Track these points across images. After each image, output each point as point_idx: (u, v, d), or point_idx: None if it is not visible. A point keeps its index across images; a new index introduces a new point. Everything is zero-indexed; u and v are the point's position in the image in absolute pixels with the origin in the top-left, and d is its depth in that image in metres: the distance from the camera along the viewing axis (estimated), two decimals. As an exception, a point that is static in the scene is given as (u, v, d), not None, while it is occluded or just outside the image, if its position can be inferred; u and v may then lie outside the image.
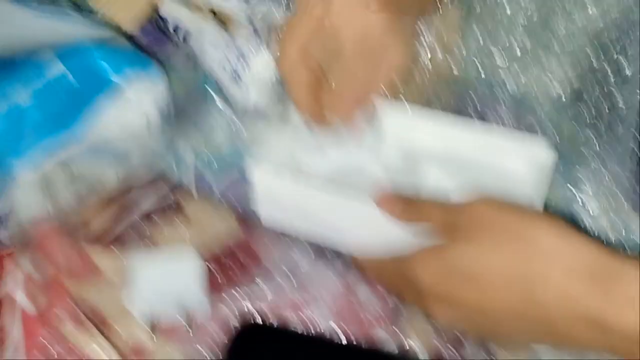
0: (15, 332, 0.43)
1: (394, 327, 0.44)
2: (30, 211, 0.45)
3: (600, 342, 0.32)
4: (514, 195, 0.38)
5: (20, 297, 0.44)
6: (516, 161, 0.41)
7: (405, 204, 0.39)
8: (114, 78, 0.47)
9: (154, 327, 0.43)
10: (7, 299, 0.44)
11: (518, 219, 0.35)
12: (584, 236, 0.34)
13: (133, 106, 0.47)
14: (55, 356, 0.42)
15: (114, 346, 0.43)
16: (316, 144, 0.45)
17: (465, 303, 0.35)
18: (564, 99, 0.45)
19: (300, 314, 0.44)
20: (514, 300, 0.34)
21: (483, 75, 0.46)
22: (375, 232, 0.40)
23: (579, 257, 0.33)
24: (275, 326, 0.44)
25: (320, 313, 0.44)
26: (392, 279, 0.40)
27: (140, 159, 0.48)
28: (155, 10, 0.52)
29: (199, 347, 0.43)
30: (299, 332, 0.43)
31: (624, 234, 0.42)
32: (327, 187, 0.40)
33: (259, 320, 0.44)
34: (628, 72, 0.43)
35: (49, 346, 0.43)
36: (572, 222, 0.39)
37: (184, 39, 0.51)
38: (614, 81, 0.44)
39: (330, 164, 0.44)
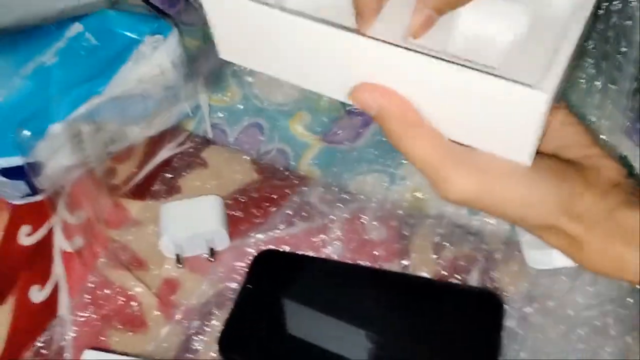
0: (57, 269, 0.47)
1: (403, 262, 0.47)
2: (60, 161, 0.48)
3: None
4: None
5: (59, 238, 0.48)
6: None
7: None
8: (130, 35, 0.51)
9: (181, 261, 0.47)
10: (47, 241, 0.48)
11: None
12: None
13: (148, 61, 0.51)
14: (93, 286, 0.46)
15: (147, 280, 0.47)
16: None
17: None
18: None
19: (315, 251, 0.48)
20: None
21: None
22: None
23: None
24: (289, 252, 0.47)
25: (333, 250, 0.48)
26: None
27: (159, 109, 0.51)
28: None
29: (221, 275, 0.47)
30: (312, 257, 0.47)
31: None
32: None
33: (274, 249, 0.48)
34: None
35: (88, 283, 0.47)
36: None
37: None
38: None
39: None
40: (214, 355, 0.43)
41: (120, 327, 0.45)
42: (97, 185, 0.49)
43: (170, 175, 0.52)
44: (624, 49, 0.50)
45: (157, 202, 0.50)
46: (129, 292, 0.46)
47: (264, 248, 0.48)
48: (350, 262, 0.47)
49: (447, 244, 0.48)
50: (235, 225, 0.49)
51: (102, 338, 0.44)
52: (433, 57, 0.30)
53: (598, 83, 0.52)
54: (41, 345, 0.44)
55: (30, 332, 0.45)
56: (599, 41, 0.51)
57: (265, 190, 0.51)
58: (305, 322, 0.44)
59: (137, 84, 0.50)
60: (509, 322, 0.44)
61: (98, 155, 0.49)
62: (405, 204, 0.50)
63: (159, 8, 0.56)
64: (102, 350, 0.42)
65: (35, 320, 0.45)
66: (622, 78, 0.51)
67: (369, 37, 0.32)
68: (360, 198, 0.50)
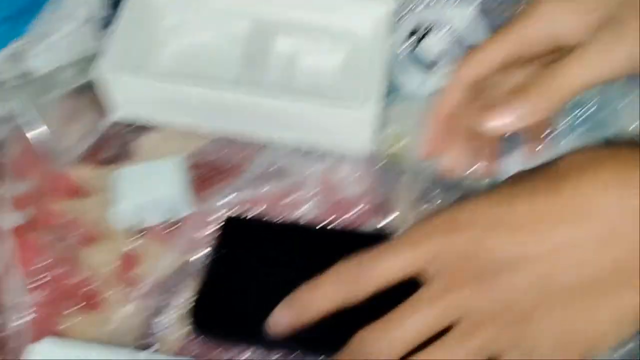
0: (4, 246, 0.42)
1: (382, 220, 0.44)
2: None
3: None
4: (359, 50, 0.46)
5: (4, 211, 0.43)
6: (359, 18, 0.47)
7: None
8: None
9: (139, 233, 0.43)
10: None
11: None
12: None
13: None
14: (45, 265, 0.42)
15: (103, 255, 0.42)
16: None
17: None
18: None
19: (288, 213, 0.44)
20: None
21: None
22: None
23: None
24: (259, 218, 0.44)
25: (308, 210, 0.44)
26: None
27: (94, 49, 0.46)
28: None
29: (184, 245, 0.42)
30: (284, 221, 0.43)
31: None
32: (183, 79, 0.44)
33: (243, 215, 0.43)
34: None
35: (38, 261, 0.42)
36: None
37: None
38: None
39: (187, 45, 0.49)
40: (180, 335, 0.39)
41: (76, 308, 0.40)
42: (38, 151, 0.44)
43: (123, 139, 0.47)
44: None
45: (110, 168, 0.45)
46: (84, 270, 0.42)
47: (230, 214, 0.43)
48: (323, 223, 0.43)
49: (428, 200, 0.44)
50: (198, 190, 0.44)
51: (57, 321, 0.40)
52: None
53: None
54: (-12, 334, 0.40)
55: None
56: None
57: (229, 150, 0.47)
58: (280, 288, 0.40)
59: (65, 23, 0.44)
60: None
61: (29, 107, 0.44)
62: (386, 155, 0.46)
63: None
64: (60, 337, 0.38)
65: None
66: None
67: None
68: (332, 153, 0.46)
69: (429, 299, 0.32)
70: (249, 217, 0.44)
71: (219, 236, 0.42)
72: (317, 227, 0.43)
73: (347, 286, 0.34)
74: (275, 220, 0.43)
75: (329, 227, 0.43)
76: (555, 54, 0.37)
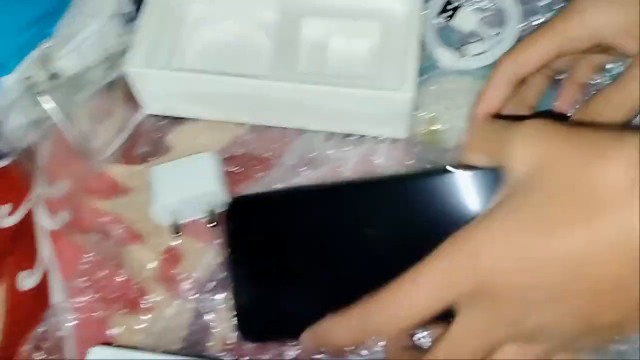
0: (45, 251, 0.43)
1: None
2: (18, 118, 0.43)
3: None
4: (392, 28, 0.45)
5: (42, 216, 0.43)
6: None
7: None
8: None
9: (179, 230, 0.42)
10: (29, 220, 0.44)
11: None
12: None
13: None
14: (88, 266, 0.42)
15: (145, 254, 0.42)
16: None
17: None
18: None
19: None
20: None
21: None
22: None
23: None
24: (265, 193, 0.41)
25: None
26: None
27: (120, 45, 0.45)
28: None
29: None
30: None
31: None
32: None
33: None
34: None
35: (80, 264, 0.42)
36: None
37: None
38: None
39: (213, 36, 0.47)
40: (228, 335, 0.39)
41: (122, 311, 0.41)
42: (74, 149, 0.44)
43: (157, 133, 0.47)
44: None
45: (146, 164, 0.45)
46: (127, 270, 0.42)
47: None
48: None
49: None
50: (234, 183, 0.44)
51: (104, 325, 0.40)
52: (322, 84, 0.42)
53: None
54: (38, 338, 0.40)
55: (25, 323, 0.41)
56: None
57: (264, 140, 0.46)
58: (310, 263, 0.36)
59: (92, 20, 0.44)
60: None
61: (62, 108, 0.43)
62: (420, 138, 0.45)
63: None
64: (108, 345, 0.38)
65: (29, 310, 0.41)
66: None
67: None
68: (368, 138, 0.45)
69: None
70: (251, 194, 0.40)
71: (229, 226, 0.37)
72: (325, 186, 0.39)
73: (371, 327, 0.31)
74: (287, 190, 0.40)
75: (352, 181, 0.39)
76: (595, 49, 0.38)
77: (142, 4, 0.45)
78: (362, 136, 0.45)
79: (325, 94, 0.42)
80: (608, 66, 0.44)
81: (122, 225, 0.43)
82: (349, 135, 0.45)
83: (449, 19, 0.48)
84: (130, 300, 0.41)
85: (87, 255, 0.42)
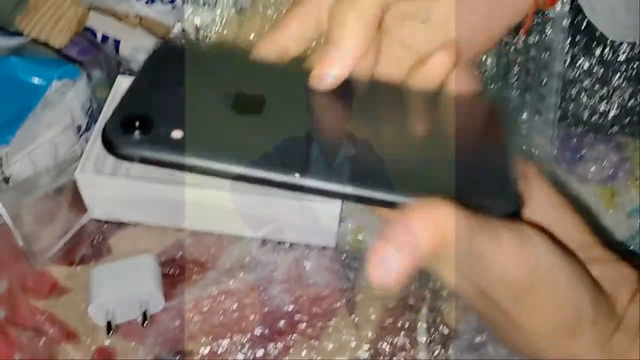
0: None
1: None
2: None
3: None
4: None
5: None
6: None
7: None
8: (36, 81, 0.49)
9: (112, 329, 0.44)
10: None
11: None
12: None
13: (58, 107, 0.48)
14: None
15: (79, 353, 0.43)
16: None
17: None
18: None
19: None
20: None
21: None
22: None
23: None
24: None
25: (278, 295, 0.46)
26: None
27: (70, 156, 0.49)
28: (83, 23, 0.53)
29: (157, 340, 0.44)
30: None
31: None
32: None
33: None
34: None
35: (13, 356, 0.43)
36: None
37: (116, 48, 0.52)
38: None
39: None
40: None
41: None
42: (16, 250, 0.46)
43: (99, 236, 0.49)
44: (545, 80, 0.51)
45: (86, 266, 0.47)
46: (60, 368, 0.43)
47: (202, 304, 0.45)
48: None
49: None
50: (171, 285, 0.46)
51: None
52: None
53: (524, 115, 0.53)
54: None
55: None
56: (520, 74, 0.52)
57: (201, 244, 0.49)
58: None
59: (47, 130, 0.47)
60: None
61: (9, 210, 0.45)
62: (347, 246, 0.49)
63: (67, 55, 0.54)
64: None
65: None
66: (545, 109, 0.52)
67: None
68: (300, 245, 0.49)
69: None
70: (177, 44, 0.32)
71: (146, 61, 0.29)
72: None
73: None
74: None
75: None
76: None
77: (97, 116, 0.49)
78: (293, 244, 0.49)
79: (257, 204, 0.46)
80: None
81: (57, 324, 0.45)
82: (281, 242, 0.49)
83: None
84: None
85: (19, 353, 0.43)
